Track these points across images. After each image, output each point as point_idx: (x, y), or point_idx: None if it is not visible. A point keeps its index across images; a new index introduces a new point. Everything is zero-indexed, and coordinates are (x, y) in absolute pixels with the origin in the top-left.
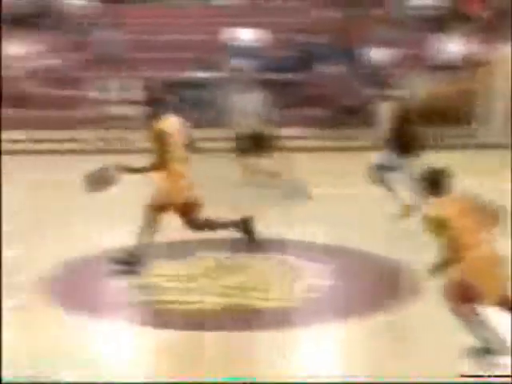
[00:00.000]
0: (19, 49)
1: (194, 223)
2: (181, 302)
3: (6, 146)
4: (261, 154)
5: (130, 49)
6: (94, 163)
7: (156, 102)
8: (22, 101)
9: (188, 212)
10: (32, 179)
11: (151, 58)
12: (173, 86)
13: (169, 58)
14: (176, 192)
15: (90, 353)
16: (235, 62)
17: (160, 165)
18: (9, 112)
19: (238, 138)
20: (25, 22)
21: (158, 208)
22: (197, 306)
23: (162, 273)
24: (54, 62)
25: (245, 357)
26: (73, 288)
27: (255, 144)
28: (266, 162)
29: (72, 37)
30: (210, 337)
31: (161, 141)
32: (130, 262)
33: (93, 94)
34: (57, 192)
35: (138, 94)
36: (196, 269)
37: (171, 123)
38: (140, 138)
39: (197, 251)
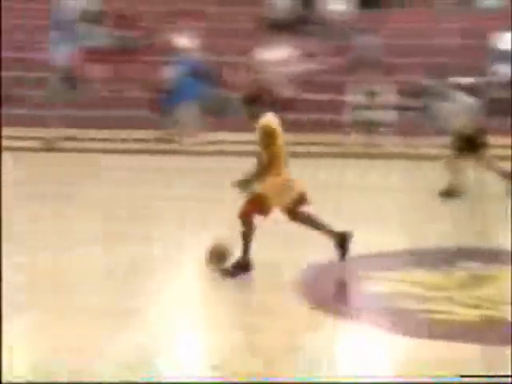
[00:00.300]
0: (280, 54)
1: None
2: (430, 311)
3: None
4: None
5: (387, 53)
6: (352, 167)
7: (256, 101)
8: (282, 104)
9: (253, 202)
10: None
11: (409, 62)
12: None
13: (427, 62)
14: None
15: (344, 354)
16: (497, 67)
17: (272, 162)
18: None
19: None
20: (286, 28)
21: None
22: (447, 316)
23: (412, 280)
24: (313, 66)
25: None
26: (325, 291)
27: (469, 148)
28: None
29: (332, 42)
30: (467, 348)
31: (270, 137)
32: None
33: (351, 98)
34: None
35: (394, 98)
36: (447, 278)
37: (273, 120)
38: (394, 143)
39: (451, 261)
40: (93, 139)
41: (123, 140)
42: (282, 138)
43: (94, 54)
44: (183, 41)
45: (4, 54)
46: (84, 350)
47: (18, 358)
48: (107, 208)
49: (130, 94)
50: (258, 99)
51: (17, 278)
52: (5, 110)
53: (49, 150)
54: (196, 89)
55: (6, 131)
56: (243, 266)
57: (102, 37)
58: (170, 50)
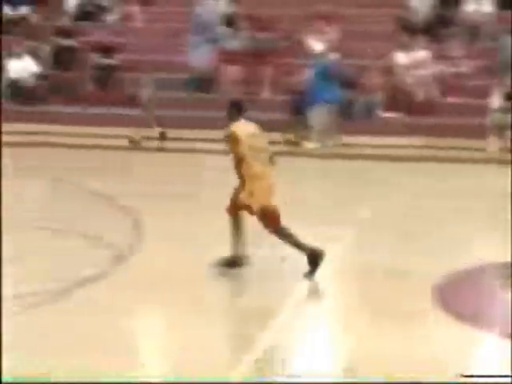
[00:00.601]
0: (417, 56)
1: (277, 230)
2: None
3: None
4: None
5: None
6: (490, 173)
7: (235, 106)
8: (419, 107)
9: (265, 218)
10: (423, 185)
11: None
12: None
13: None
14: (251, 196)
15: (473, 361)
16: None
17: (238, 166)
18: (406, 120)
19: None
20: (425, 30)
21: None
22: None
23: None
24: (451, 69)
25: None
26: (462, 299)
27: None
28: None
29: (474, 44)
30: None
31: (234, 143)
32: None
33: (491, 101)
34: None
35: None
36: None
37: (245, 127)
38: None
39: None
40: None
41: None
42: (257, 143)
43: (229, 56)
44: (317, 43)
45: (144, 57)
46: (215, 349)
47: (155, 358)
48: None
49: (263, 96)
50: (240, 104)
51: (156, 277)
52: (135, 111)
53: (176, 150)
54: (329, 92)
55: (143, 131)
56: (315, 257)
57: (238, 39)
58: (305, 53)
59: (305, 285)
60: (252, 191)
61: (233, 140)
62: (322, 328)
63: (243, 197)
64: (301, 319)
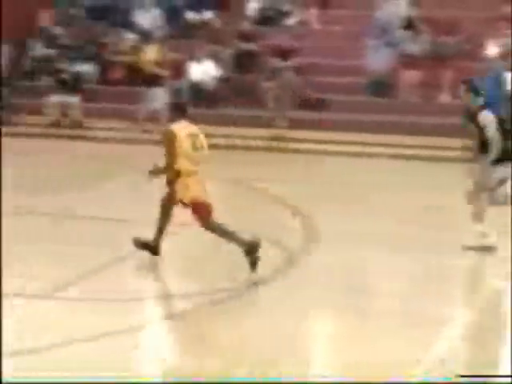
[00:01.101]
0: None
1: (208, 225)
2: None
3: None
4: None
5: None
6: None
7: (178, 108)
8: None
9: (197, 211)
10: None
11: None
12: None
13: None
14: (186, 190)
15: None
16: None
17: (170, 164)
18: None
19: None
20: None
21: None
22: None
23: None
24: None
25: None
26: None
27: None
28: None
29: None
30: None
31: (169, 141)
32: None
33: None
34: None
35: None
36: None
37: (182, 126)
38: None
39: None
40: (402, 145)
41: (431, 147)
42: (196, 143)
43: (409, 60)
44: (493, 47)
45: (322, 60)
46: (389, 351)
47: (324, 358)
48: (401, 213)
49: (442, 100)
50: (184, 106)
51: (325, 277)
52: (317, 115)
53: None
54: (501, 98)
55: (322, 135)
56: (251, 248)
57: (418, 43)
58: (483, 58)
59: (480, 296)
60: (186, 185)
61: (169, 138)
62: (496, 338)
63: (177, 192)
64: (475, 328)
